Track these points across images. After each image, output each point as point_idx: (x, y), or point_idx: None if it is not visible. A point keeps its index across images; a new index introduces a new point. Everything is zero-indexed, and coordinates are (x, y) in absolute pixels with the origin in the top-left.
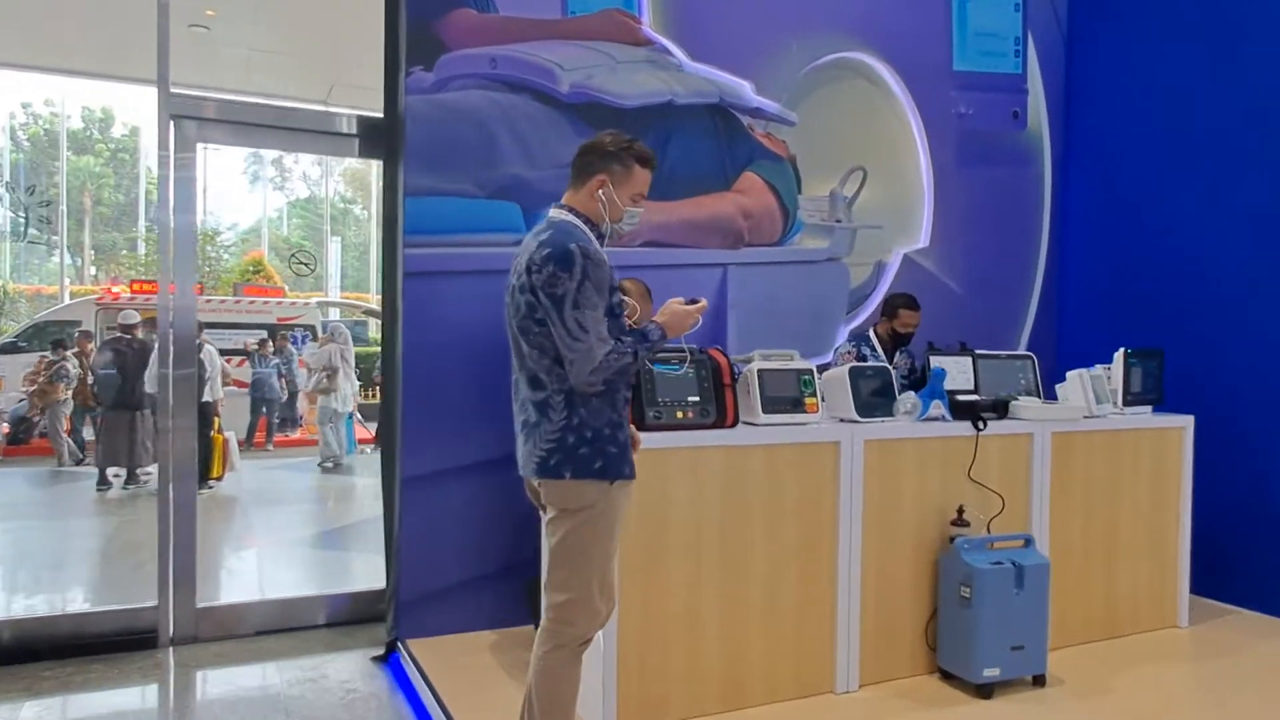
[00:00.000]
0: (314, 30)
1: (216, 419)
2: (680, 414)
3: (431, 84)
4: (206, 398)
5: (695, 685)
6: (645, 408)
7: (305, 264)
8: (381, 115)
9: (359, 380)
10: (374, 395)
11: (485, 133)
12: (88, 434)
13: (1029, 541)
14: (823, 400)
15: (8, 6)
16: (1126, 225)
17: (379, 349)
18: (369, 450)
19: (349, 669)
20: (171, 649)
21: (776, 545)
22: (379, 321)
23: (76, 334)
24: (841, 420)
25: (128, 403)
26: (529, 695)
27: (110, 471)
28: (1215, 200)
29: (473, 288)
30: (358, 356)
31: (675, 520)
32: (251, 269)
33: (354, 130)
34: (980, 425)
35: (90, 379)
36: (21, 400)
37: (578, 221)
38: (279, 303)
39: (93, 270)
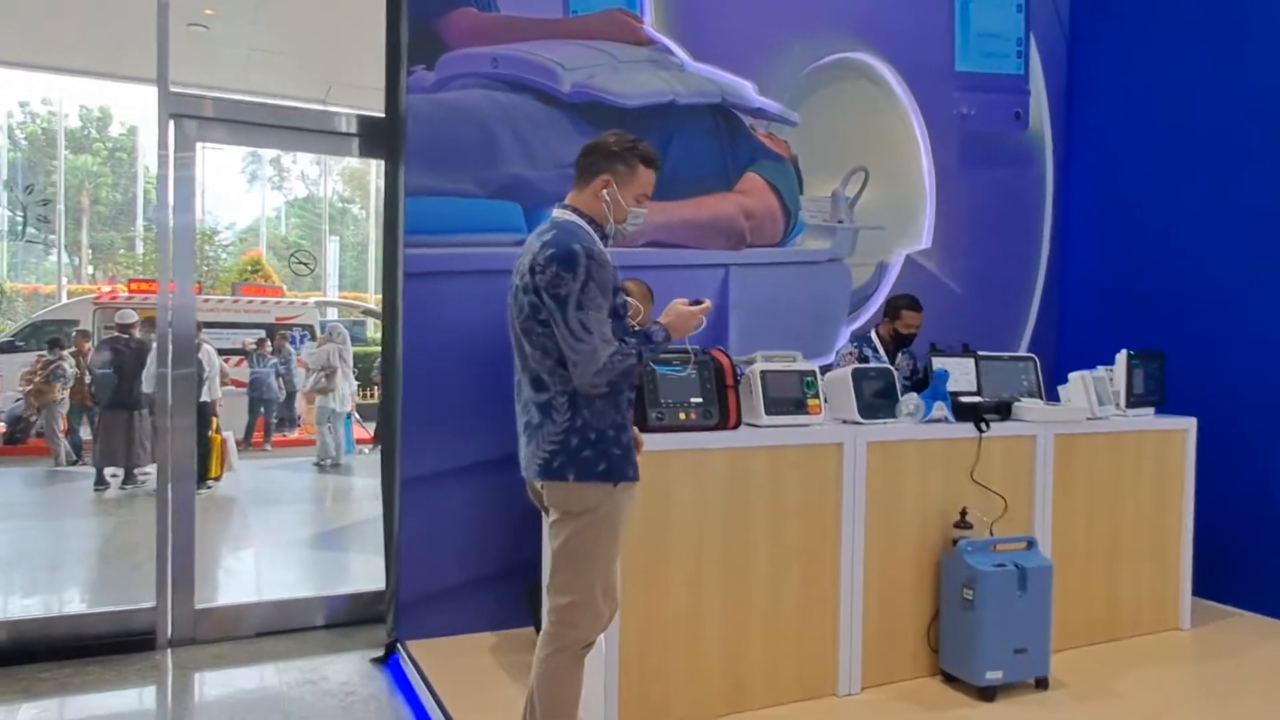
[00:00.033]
0: (314, 29)
1: (215, 419)
2: (683, 415)
3: (433, 83)
4: (205, 397)
5: (697, 687)
6: (648, 409)
7: (304, 263)
8: (382, 114)
9: (357, 380)
10: (372, 395)
11: (486, 132)
12: (85, 434)
13: (1032, 543)
14: (825, 402)
15: (7, 5)
16: (1128, 226)
17: (378, 349)
18: (367, 450)
19: (348, 670)
20: (169, 650)
21: (779, 546)
22: (377, 321)
23: (74, 333)
24: (844, 422)
25: (125, 402)
26: (531, 698)
27: (108, 472)
28: (1218, 200)
29: (473, 288)
30: (356, 356)
31: (677, 521)
32: (250, 268)
33: (354, 129)
34: (983, 427)
35: (88, 378)
36: (18, 400)
37: (581, 222)
38: (277, 302)
39: (90, 269)
